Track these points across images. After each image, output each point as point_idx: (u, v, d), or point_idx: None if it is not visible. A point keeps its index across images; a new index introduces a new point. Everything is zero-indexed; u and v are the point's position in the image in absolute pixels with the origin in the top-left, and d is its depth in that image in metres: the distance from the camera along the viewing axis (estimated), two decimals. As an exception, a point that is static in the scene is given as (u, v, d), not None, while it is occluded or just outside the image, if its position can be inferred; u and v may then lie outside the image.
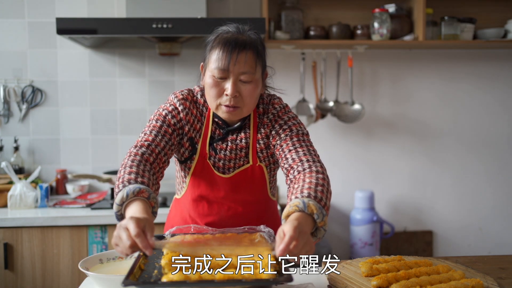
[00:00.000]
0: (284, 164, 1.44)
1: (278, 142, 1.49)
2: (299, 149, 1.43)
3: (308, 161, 1.39)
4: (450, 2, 3.11)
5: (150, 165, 1.39)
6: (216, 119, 1.53)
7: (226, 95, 1.41)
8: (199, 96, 1.55)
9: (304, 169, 1.37)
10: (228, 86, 1.40)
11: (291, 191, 1.32)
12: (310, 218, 1.21)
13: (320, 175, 1.33)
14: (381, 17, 2.86)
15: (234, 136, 1.53)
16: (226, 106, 1.43)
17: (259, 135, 1.53)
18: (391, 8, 2.96)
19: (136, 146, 1.41)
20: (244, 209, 1.59)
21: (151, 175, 1.35)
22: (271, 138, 1.52)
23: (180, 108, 1.50)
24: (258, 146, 1.53)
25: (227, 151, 1.53)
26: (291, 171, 1.40)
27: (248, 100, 1.43)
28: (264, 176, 1.57)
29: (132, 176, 1.28)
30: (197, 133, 1.53)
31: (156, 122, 1.48)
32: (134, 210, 1.22)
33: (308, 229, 1.18)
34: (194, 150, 1.53)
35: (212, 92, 1.42)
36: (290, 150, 1.44)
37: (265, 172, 1.56)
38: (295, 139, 1.46)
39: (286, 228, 1.11)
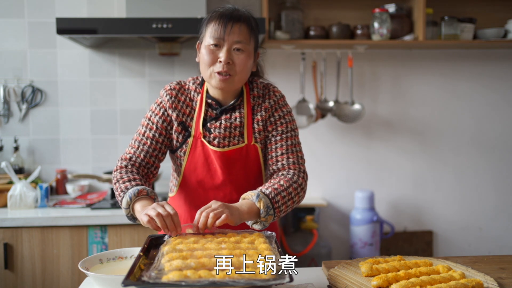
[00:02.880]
0: (273, 164, 1.58)
1: (274, 134, 1.60)
2: (290, 156, 1.57)
3: (294, 170, 1.55)
4: (450, 2, 3.12)
5: (136, 169, 1.56)
6: (209, 101, 1.60)
7: (220, 62, 1.49)
8: (191, 84, 1.63)
9: (284, 174, 1.54)
10: (222, 53, 1.49)
11: (265, 183, 1.51)
12: (256, 210, 1.40)
13: (295, 185, 1.50)
14: (381, 17, 2.87)
15: (228, 115, 1.59)
16: (219, 73, 1.50)
17: (259, 117, 1.60)
18: (391, 8, 2.96)
19: (120, 160, 1.58)
20: (239, 196, 1.59)
21: (141, 176, 1.54)
22: (268, 123, 1.61)
23: (166, 98, 1.59)
24: (257, 127, 1.59)
25: (221, 129, 1.58)
26: (277, 173, 1.56)
27: (240, 69, 1.51)
28: (258, 157, 1.61)
29: (127, 183, 1.47)
30: (187, 117, 1.60)
31: (141, 128, 1.61)
32: (145, 205, 1.39)
33: (245, 213, 1.38)
34: (188, 134, 1.59)
35: (206, 59, 1.50)
36: (282, 154, 1.57)
37: (259, 152, 1.60)
38: (289, 142, 1.59)
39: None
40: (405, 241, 3.22)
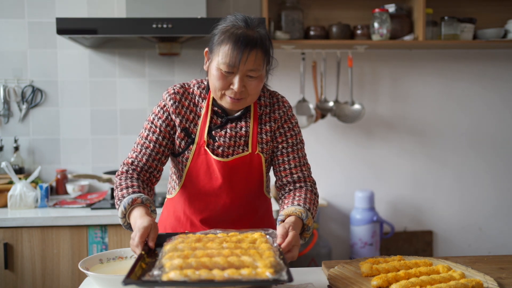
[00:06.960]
0: (286, 176, 1.59)
1: (285, 146, 1.59)
2: (303, 168, 1.60)
3: (310, 182, 1.60)
4: (450, 2, 3.12)
5: (137, 174, 1.54)
6: (215, 108, 1.56)
7: (232, 88, 1.45)
8: (195, 88, 1.59)
9: (306, 187, 1.58)
10: (235, 81, 1.44)
11: (292, 195, 1.53)
12: (302, 228, 1.43)
13: (317, 198, 1.59)
14: (381, 17, 2.87)
15: (234, 124, 1.57)
16: (231, 97, 1.47)
17: (267, 127, 1.58)
18: (391, 8, 2.96)
19: (122, 164, 1.57)
20: (240, 202, 1.59)
21: (140, 182, 1.51)
22: (278, 134, 1.59)
23: (170, 103, 1.55)
24: (265, 137, 1.58)
25: (226, 138, 1.55)
26: (293, 184, 1.59)
27: (252, 92, 1.48)
28: (261, 166, 1.58)
29: (124, 191, 1.45)
30: (190, 123, 1.56)
31: (144, 131, 1.58)
32: (136, 215, 1.38)
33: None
34: (191, 140, 1.56)
35: (218, 84, 1.46)
36: (296, 166, 1.59)
37: (263, 162, 1.58)
38: (300, 154, 1.60)
39: (293, 232, 1.31)
40: (405, 241, 3.22)
